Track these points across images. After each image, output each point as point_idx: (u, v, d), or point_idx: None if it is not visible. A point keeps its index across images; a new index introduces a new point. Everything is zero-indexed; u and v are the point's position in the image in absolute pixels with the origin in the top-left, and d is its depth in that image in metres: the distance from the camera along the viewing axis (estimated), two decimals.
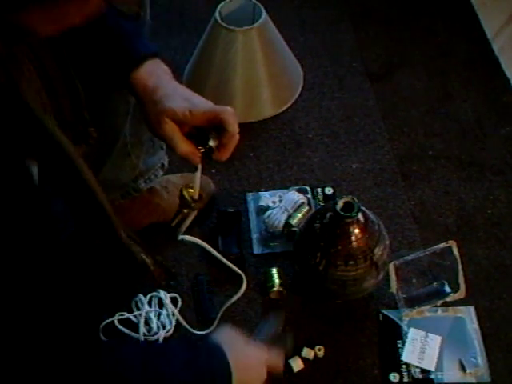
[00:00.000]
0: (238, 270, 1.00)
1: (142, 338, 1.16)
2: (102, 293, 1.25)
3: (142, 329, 1.17)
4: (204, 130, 0.85)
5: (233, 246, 1.27)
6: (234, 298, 1.04)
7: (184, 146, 0.84)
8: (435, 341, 1.17)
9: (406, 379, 1.13)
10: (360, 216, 1.07)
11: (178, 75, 1.57)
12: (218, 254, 0.94)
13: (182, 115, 0.82)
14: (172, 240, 0.93)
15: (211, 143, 0.84)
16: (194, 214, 0.84)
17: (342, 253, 1.08)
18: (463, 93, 1.56)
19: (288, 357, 1.02)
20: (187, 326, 1.11)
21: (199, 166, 0.85)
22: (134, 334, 1.17)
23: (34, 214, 0.71)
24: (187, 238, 0.85)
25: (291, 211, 1.27)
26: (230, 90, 1.48)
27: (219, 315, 1.08)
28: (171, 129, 0.83)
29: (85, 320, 1.21)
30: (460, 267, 1.20)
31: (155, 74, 0.83)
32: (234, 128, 0.84)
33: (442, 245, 1.21)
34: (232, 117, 0.84)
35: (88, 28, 0.82)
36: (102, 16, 0.82)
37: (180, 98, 0.82)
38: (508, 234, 1.32)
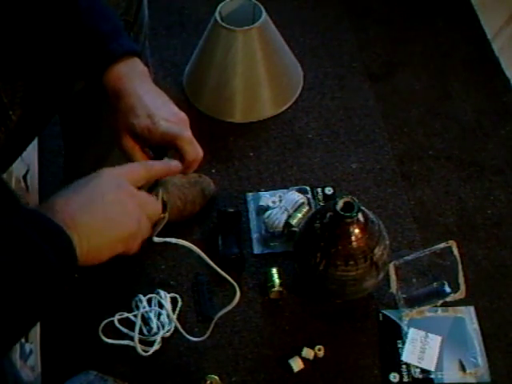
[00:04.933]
0: (224, 274, 0.99)
1: (137, 337, 1.15)
2: (101, 293, 1.26)
3: (138, 328, 1.17)
4: (165, 147, 0.82)
5: (233, 246, 1.27)
6: (227, 309, 1.04)
7: None
8: (435, 341, 1.17)
9: (405, 379, 1.13)
10: (360, 216, 1.07)
11: (173, 76, 1.58)
12: (201, 253, 0.93)
13: (140, 133, 0.79)
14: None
15: None
16: (164, 221, 0.83)
17: (342, 253, 1.08)
18: (463, 93, 1.56)
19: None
20: (182, 330, 1.11)
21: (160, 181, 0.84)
22: (133, 334, 1.17)
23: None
24: (161, 239, 0.84)
25: (291, 211, 1.27)
26: (230, 89, 1.48)
27: (213, 323, 1.09)
28: (131, 145, 0.80)
29: (85, 320, 1.22)
30: (460, 267, 1.20)
31: (126, 75, 0.81)
32: (190, 156, 0.80)
33: (442, 245, 1.21)
34: (188, 144, 0.79)
35: (61, 28, 0.83)
36: (78, 18, 0.82)
37: (144, 113, 0.79)
38: (508, 234, 1.32)
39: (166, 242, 0.84)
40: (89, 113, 1.12)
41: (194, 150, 0.80)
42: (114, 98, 0.81)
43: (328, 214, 1.08)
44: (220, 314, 1.06)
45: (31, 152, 1.40)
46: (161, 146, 0.82)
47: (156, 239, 0.82)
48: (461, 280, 1.20)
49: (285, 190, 1.35)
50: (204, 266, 1.27)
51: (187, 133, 0.80)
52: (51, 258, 0.60)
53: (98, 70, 0.81)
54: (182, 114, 0.82)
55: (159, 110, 0.80)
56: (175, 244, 0.88)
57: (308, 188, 1.36)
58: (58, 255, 0.60)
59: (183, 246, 0.90)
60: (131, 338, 1.17)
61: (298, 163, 1.43)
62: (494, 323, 1.20)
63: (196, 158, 0.81)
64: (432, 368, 1.14)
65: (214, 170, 1.42)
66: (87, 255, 0.64)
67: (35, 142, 1.42)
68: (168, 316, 1.19)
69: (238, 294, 1.00)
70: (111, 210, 0.66)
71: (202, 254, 0.92)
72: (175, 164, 0.79)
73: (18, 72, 0.85)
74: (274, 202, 1.31)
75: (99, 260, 0.66)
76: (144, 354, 1.15)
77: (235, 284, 0.99)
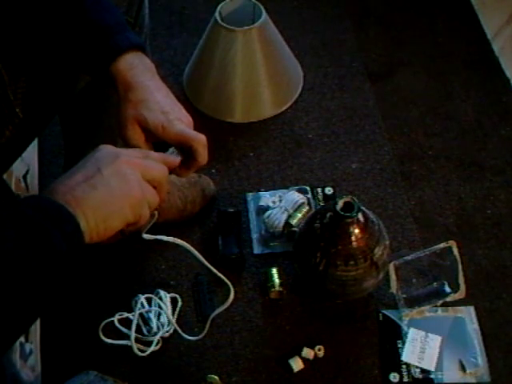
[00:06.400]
0: (216, 271, 0.99)
1: (133, 337, 1.14)
2: (101, 293, 1.25)
3: (134, 328, 1.16)
4: (167, 144, 0.83)
5: (233, 246, 1.27)
6: (221, 308, 1.04)
7: None
8: (435, 341, 1.17)
9: (405, 379, 1.13)
10: (360, 216, 1.07)
11: (173, 75, 1.58)
12: (194, 251, 0.92)
13: (153, 128, 0.79)
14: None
15: None
16: (154, 219, 0.83)
17: (342, 253, 1.08)
18: (463, 93, 1.56)
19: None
20: (179, 329, 1.10)
21: None
22: (132, 334, 1.17)
23: None
24: (151, 236, 0.84)
25: (291, 211, 1.27)
26: (230, 89, 1.48)
27: (209, 321, 1.08)
28: (137, 137, 0.80)
29: (85, 320, 1.22)
30: (460, 267, 1.20)
31: (136, 67, 0.81)
32: (202, 158, 0.81)
33: (442, 245, 1.21)
34: (203, 147, 0.81)
35: (67, 21, 0.83)
36: (84, 10, 0.82)
37: (158, 108, 0.80)
38: (508, 234, 1.32)
39: (156, 240, 0.84)
40: (89, 113, 1.12)
41: (206, 154, 0.82)
42: (123, 88, 0.81)
43: (328, 214, 1.08)
44: (215, 312, 1.06)
45: (31, 152, 1.40)
46: (164, 144, 0.82)
47: (146, 236, 0.82)
48: (461, 280, 1.20)
49: (285, 190, 1.35)
50: (204, 265, 1.28)
51: (203, 136, 0.81)
52: (56, 237, 0.60)
53: (106, 61, 0.81)
54: (190, 117, 0.83)
55: (172, 109, 0.81)
56: (171, 243, 0.88)
57: (308, 188, 1.36)
58: (64, 235, 0.60)
59: (181, 246, 0.90)
60: None
61: (298, 163, 1.43)
62: (494, 323, 1.20)
63: (204, 162, 0.82)
64: (432, 368, 1.14)
65: (213, 170, 1.42)
66: (97, 229, 0.64)
67: (35, 142, 1.42)
68: (167, 316, 1.19)
69: (232, 291, 1.00)
70: (111, 180, 0.66)
71: (195, 252, 0.92)
72: (173, 158, 0.79)
73: (21, 68, 0.85)
74: (274, 202, 1.31)
75: (111, 231, 0.66)
76: (140, 354, 1.14)
77: (228, 282, 1.00)
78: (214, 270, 0.98)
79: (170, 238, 0.87)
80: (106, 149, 0.70)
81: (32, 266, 0.58)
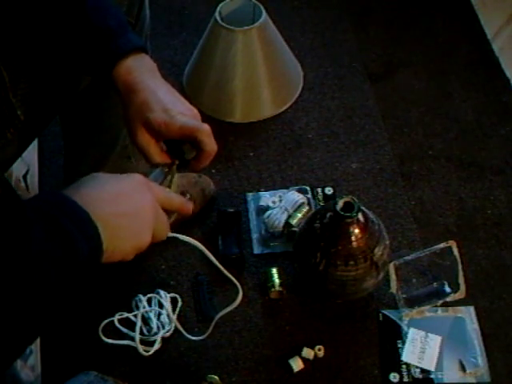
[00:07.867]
0: (229, 274, 0.99)
1: (138, 338, 1.15)
2: (101, 293, 1.25)
3: (138, 329, 1.17)
4: (179, 141, 0.83)
5: (233, 246, 1.28)
6: (229, 309, 1.04)
7: (158, 159, 0.83)
8: (435, 341, 1.17)
9: (406, 379, 1.13)
10: (360, 216, 1.07)
11: (174, 75, 1.58)
12: (210, 255, 0.92)
13: (157, 127, 0.80)
14: (172, 240, 0.92)
15: (186, 156, 0.84)
16: (172, 218, 0.83)
17: (342, 253, 1.08)
18: (463, 93, 1.56)
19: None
20: (182, 329, 1.10)
21: (175, 176, 0.85)
22: (133, 334, 1.17)
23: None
24: (173, 234, 0.84)
25: (291, 211, 1.27)
26: (230, 89, 1.48)
27: (214, 322, 1.09)
28: (146, 140, 0.81)
29: (85, 320, 1.22)
30: (460, 267, 1.20)
31: (137, 70, 0.81)
32: (210, 147, 0.82)
33: (442, 245, 1.22)
34: (208, 137, 0.81)
35: (68, 23, 0.83)
36: (85, 12, 0.82)
37: (160, 107, 0.80)
38: (508, 234, 1.32)
39: (174, 238, 0.84)
40: (89, 113, 1.12)
41: (213, 143, 0.82)
42: (125, 92, 0.81)
43: (328, 214, 1.08)
44: (222, 313, 1.06)
45: (31, 152, 1.40)
46: (175, 140, 0.83)
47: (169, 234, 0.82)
48: (461, 280, 1.20)
49: (285, 190, 1.35)
50: (204, 265, 1.28)
51: (206, 126, 0.81)
52: (81, 243, 0.60)
53: (108, 65, 0.81)
54: (195, 110, 0.84)
55: (174, 104, 0.81)
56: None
57: (308, 188, 1.36)
58: (88, 241, 0.61)
59: (187, 244, 0.90)
60: (131, 338, 1.17)
61: (298, 163, 1.43)
62: (494, 323, 1.20)
63: (214, 151, 0.83)
64: (432, 368, 1.14)
65: (213, 170, 1.42)
66: (106, 250, 0.65)
67: (35, 142, 1.42)
68: (168, 316, 1.19)
69: (241, 294, 0.99)
70: (137, 214, 0.68)
71: (208, 253, 0.91)
72: (188, 207, 0.80)
73: (21, 69, 0.85)
74: (274, 202, 1.31)
75: (113, 259, 0.67)
76: (145, 354, 1.15)
77: (238, 284, 0.99)
78: (228, 275, 0.97)
79: (190, 240, 0.87)
80: (139, 179, 0.71)
81: (55, 264, 0.59)
